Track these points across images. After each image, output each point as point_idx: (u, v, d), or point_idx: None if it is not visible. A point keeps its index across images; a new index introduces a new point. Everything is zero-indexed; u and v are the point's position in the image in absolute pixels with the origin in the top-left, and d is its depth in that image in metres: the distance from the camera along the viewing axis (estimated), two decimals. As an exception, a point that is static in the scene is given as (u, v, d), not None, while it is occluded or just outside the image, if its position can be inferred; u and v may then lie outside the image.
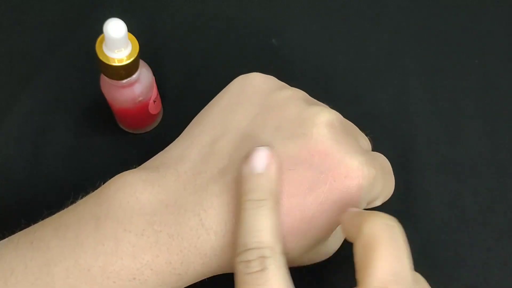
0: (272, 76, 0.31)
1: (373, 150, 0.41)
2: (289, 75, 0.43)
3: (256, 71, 0.43)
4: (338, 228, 0.29)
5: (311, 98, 0.31)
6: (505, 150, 0.41)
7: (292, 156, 0.26)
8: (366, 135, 0.33)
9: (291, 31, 0.45)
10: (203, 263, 0.26)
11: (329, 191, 0.26)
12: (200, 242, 0.25)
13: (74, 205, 0.28)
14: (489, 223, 0.39)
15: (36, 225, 0.27)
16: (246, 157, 0.25)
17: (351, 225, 0.24)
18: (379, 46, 0.44)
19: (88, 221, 0.26)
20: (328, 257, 0.32)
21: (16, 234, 0.27)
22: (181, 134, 0.30)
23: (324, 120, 0.27)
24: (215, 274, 0.28)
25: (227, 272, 0.28)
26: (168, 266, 0.25)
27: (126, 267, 0.25)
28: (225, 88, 0.31)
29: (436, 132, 0.42)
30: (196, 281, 0.28)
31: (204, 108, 0.31)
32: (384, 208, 0.39)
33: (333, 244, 0.31)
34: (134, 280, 0.25)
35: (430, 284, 0.37)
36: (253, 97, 0.29)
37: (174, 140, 0.41)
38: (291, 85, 0.44)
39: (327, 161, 0.26)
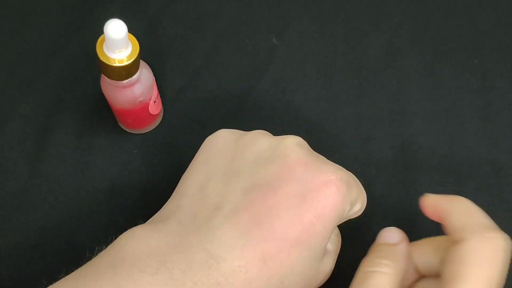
0: (235, 129, 0.34)
1: (372, 150, 0.41)
2: (289, 75, 0.44)
3: (256, 71, 0.43)
4: (329, 247, 0.33)
5: None
6: (503, 150, 0.41)
7: (278, 175, 0.29)
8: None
9: (291, 31, 0.45)
10: None
11: (317, 197, 0.28)
12: (211, 272, 0.27)
13: (90, 261, 0.29)
14: (489, 223, 0.39)
15: (57, 282, 0.28)
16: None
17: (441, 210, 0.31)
18: (379, 46, 0.44)
19: (105, 269, 0.27)
20: (324, 281, 0.33)
21: None
22: (172, 194, 0.32)
23: (293, 141, 0.31)
24: None
25: None
26: None
27: None
28: (198, 151, 0.33)
29: (435, 132, 0.42)
30: None
31: (185, 171, 0.33)
32: (384, 208, 0.39)
33: (327, 264, 0.33)
34: None
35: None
36: (224, 146, 0.32)
37: (174, 140, 0.41)
38: (291, 85, 0.44)
39: (307, 172, 0.29)
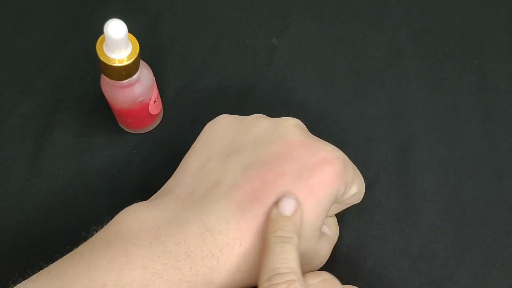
0: (234, 115, 0.34)
1: (372, 150, 0.41)
2: (289, 75, 0.44)
3: (256, 71, 0.43)
4: (327, 235, 0.33)
5: None
6: (503, 150, 0.41)
7: (277, 155, 0.30)
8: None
9: (291, 31, 0.45)
10: (212, 267, 0.27)
11: (312, 175, 0.29)
12: (206, 244, 0.27)
13: (88, 240, 0.29)
14: (488, 223, 0.39)
15: (55, 262, 0.29)
16: (277, 202, 0.28)
17: None
18: (379, 46, 0.44)
19: (99, 245, 0.27)
20: (320, 265, 0.33)
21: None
22: (173, 174, 0.33)
23: (292, 123, 0.32)
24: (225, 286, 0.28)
25: (236, 283, 0.28)
26: (178, 272, 0.26)
27: (138, 278, 0.26)
28: (199, 135, 0.34)
29: (435, 133, 0.42)
30: None
31: (187, 153, 0.34)
32: (384, 208, 0.39)
33: (324, 247, 0.32)
34: None
35: (429, 283, 0.37)
36: (225, 129, 0.33)
37: (174, 140, 0.41)
38: (291, 85, 0.44)
39: (305, 152, 0.30)
